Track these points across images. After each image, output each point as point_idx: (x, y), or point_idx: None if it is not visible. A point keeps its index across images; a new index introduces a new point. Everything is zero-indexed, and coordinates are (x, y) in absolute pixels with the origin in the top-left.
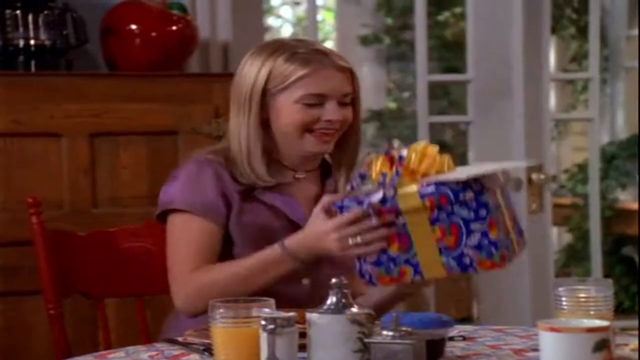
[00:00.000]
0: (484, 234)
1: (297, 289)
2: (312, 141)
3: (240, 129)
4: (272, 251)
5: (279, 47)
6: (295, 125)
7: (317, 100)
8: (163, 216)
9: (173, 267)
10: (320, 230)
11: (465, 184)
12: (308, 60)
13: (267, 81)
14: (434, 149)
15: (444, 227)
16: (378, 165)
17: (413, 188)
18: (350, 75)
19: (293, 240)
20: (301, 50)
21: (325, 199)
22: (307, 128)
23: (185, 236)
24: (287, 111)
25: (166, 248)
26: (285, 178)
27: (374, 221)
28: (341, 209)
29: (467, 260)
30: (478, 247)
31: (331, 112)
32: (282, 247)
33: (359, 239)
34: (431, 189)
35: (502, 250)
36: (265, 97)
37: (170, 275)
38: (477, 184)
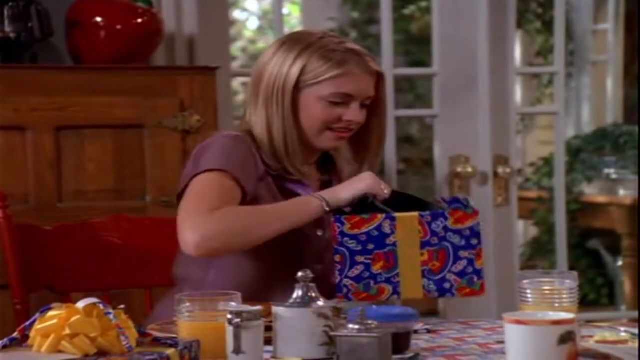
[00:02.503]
0: (470, 262)
1: (315, 240)
2: (329, 138)
3: (272, 121)
4: (299, 197)
5: (312, 43)
6: (319, 121)
7: (343, 100)
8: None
9: (187, 211)
10: (359, 175)
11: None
12: (343, 60)
13: (300, 75)
14: None
15: (432, 252)
16: None
17: (414, 214)
18: (379, 78)
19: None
20: (338, 49)
21: None
22: (328, 126)
23: (213, 184)
24: (312, 106)
25: (183, 200)
26: (304, 177)
27: None
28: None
29: (447, 285)
30: (461, 274)
31: (354, 113)
32: (309, 195)
33: (386, 190)
34: (429, 214)
35: (484, 280)
36: (295, 91)
37: (181, 220)
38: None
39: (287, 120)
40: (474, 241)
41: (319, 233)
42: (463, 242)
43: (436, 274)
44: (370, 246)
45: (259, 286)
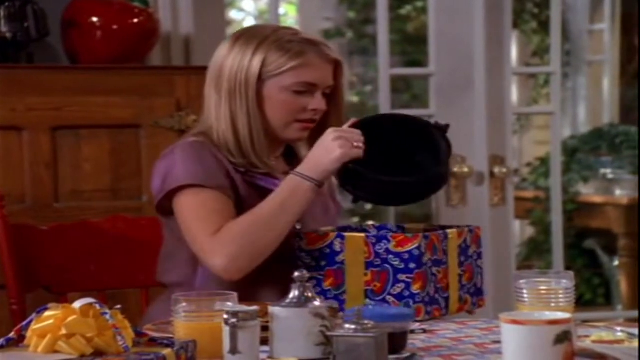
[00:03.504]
0: (407, 286)
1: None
2: (296, 129)
3: (236, 116)
4: (287, 182)
5: (269, 35)
6: (285, 112)
7: (306, 89)
8: (164, 202)
9: (197, 239)
10: (324, 140)
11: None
12: (302, 50)
13: (262, 67)
14: None
15: (375, 273)
16: None
17: (361, 234)
18: (338, 66)
19: (303, 164)
20: (293, 39)
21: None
22: (294, 116)
23: (203, 206)
24: (276, 97)
25: (182, 226)
26: (273, 169)
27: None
28: None
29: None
30: (399, 296)
31: (318, 102)
32: (294, 174)
33: (358, 144)
34: (374, 236)
35: (420, 305)
36: (258, 82)
37: (198, 248)
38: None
39: (252, 113)
40: (412, 265)
41: (297, 227)
42: (402, 265)
43: (377, 294)
44: (322, 263)
45: (244, 286)
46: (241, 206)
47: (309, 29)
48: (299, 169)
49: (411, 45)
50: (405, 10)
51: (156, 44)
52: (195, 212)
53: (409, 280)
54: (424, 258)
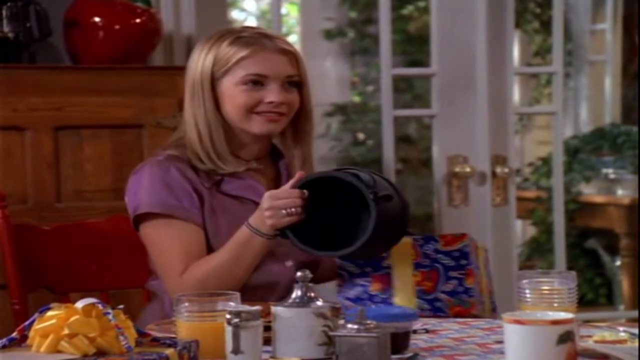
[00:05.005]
0: (460, 282)
1: (282, 269)
2: (258, 121)
3: (197, 117)
4: (241, 232)
5: (224, 34)
6: (239, 107)
7: (259, 80)
8: (136, 220)
9: (165, 275)
10: (261, 205)
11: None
12: (250, 42)
13: (213, 66)
14: None
15: (425, 273)
16: None
17: (408, 239)
18: (295, 59)
19: (254, 216)
20: (244, 34)
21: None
22: (250, 110)
23: (170, 240)
24: (231, 94)
25: (151, 255)
26: (241, 168)
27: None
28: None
29: (439, 304)
30: (452, 293)
31: (273, 93)
32: (247, 225)
33: (291, 210)
34: (421, 238)
35: (474, 299)
36: (213, 82)
37: (164, 282)
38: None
39: (209, 112)
40: (463, 261)
41: (288, 264)
42: (453, 263)
43: (429, 293)
44: (368, 269)
45: None
46: (213, 216)
47: (310, 29)
48: (252, 219)
49: (413, 45)
50: (407, 10)
51: (158, 44)
52: (163, 247)
53: (461, 276)
54: (471, 256)
